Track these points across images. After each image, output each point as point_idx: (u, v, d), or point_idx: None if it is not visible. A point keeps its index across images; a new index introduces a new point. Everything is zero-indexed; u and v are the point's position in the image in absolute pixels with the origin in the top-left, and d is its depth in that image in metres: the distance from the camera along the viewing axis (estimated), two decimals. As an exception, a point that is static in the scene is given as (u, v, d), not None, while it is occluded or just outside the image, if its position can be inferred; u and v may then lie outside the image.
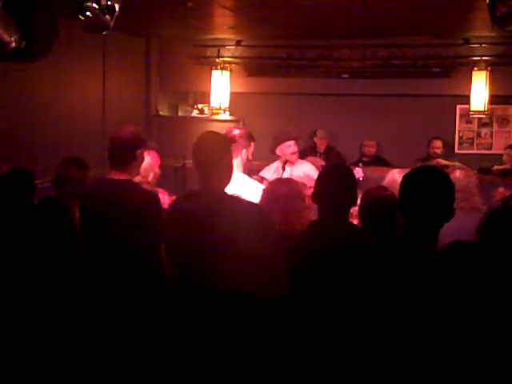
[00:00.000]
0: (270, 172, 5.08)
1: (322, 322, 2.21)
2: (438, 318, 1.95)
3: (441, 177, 2.20)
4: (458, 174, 3.65)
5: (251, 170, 4.62)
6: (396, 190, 2.62)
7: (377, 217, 2.97)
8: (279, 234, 2.83)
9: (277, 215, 3.01)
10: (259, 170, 5.15)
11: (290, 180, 3.52)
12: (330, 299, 2.23)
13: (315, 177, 4.88)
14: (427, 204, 2.11)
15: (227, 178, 2.76)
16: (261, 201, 3.20)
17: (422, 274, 2.03)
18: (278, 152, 5.15)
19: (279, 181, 3.58)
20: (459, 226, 2.82)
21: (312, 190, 2.85)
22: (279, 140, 5.16)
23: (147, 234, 3.08)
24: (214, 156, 2.73)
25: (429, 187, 2.14)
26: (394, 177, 3.51)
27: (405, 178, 2.24)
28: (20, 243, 2.96)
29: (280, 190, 3.15)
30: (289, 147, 5.08)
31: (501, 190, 4.28)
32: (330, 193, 2.59)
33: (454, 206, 2.21)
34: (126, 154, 3.20)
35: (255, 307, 1.41)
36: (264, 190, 3.35)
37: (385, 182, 3.55)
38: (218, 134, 2.99)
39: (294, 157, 5.08)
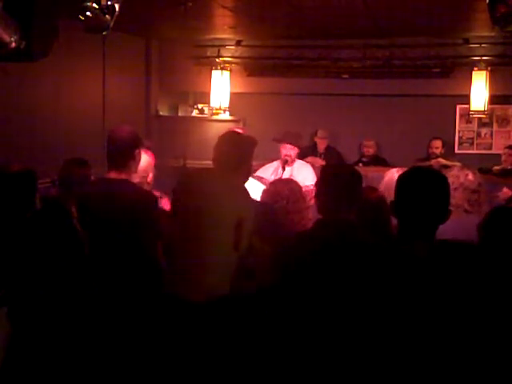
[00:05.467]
0: (268, 172, 5.09)
1: (319, 321, 2.20)
2: (436, 319, 1.95)
3: (436, 178, 2.19)
4: (455, 172, 3.64)
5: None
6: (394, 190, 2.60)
7: (365, 218, 2.94)
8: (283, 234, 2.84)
9: (279, 216, 3.02)
10: (257, 171, 5.18)
11: (291, 180, 3.52)
12: (329, 298, 2.23)
13: (311, 182, 4.92)
14: (422, 205, 2.10)
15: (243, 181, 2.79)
16: (263, 201, 3.20)
17: (419, 275, 2.03)
18: (280, 148, 5.23)
19: (280, 181, 3.58)
20: (460, 225, 2.82)
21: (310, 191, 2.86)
22: (284, 139, 5.21)
23: (146, 234, 3.08)
24: (236, 157, 2.76)
25: (423, 188, 2.13)
26: (393, 176, 3.50)
27: (399, 178, 2.24)
28: (25, 245, 2.97)
29: (282, 191, 3.15)
30: (285, 149, 5.14)
31: (505, 190, 4.29)
32: (330, 192, 2.58)
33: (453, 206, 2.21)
34: (124, 153, 3.20)
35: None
36: (265, 190, 3.35)
37: (384, 182, 3.54)
38: (243, 135, 3.01)
39: (288, 158, 5.17)
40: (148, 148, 4.11)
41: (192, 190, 1.39)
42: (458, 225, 2.86)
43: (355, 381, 1.97)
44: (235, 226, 1.36)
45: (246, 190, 1.45)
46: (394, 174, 3.53)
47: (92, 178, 3.82)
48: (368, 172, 5.28)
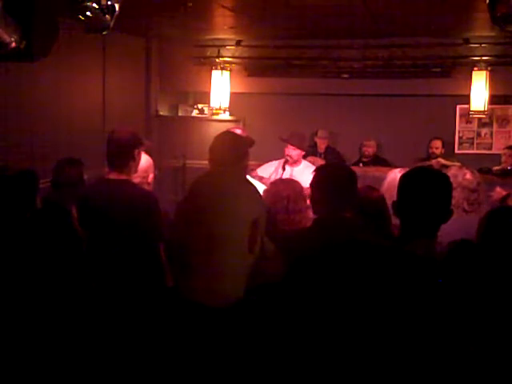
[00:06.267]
0: (269, 172, 5.10)
1: (319, 321, 2.20)
2: (439, 319, 1.95)
3: (438, 177, 2.19)
4: (453, 171, 3.64)
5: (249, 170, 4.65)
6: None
7: (366, 217, 2.95)
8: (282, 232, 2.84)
9: (280, 215, 3.03)
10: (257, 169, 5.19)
11: (292, 180, 3.53)
12: (332, 297, 2.22)
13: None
14: (424, 204, 2.10)
15: None
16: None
17: (421, 274, 2.02)
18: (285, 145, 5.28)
19: (282, 181, 3.57)
20: (460, 225, 2.81)
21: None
22: (288, 139, 5.22)
23: (146, 234, 3.09)
24: (231, 157, 2.76)
25: (425, 188, 2.13)
26: (396, 176, 3.50)
27: (402, 179, 2.24)
28: (25, 246, 2.97)
29: (283, 191, 3.15)
30: (287, 149, 5.16)
31: (498, 189, 4.28)
32: (323, 191, 2.59)
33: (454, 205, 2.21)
34: (124, 154, 3.21)
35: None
36: (266, 190, 3.34)
37: (386, 182, 3.54)
38: (238, 135, 3.01)
39: (289, 159, 5.19)
40: (147, 148, 4.11)
41: (206, 192, 1.36)
42: (458, 225, 2.86)
43: (357, 380, 1.97)
44: (250, 227, 1.34)
45: (258, 190, 1.43)
46: (396, 174, 3.53)
47: (85, 177, 3.81)
48: (368, 172, 5.29)
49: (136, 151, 3.25)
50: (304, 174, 5.14)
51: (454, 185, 3.22)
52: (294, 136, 5.28)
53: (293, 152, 5.20)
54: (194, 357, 1.28)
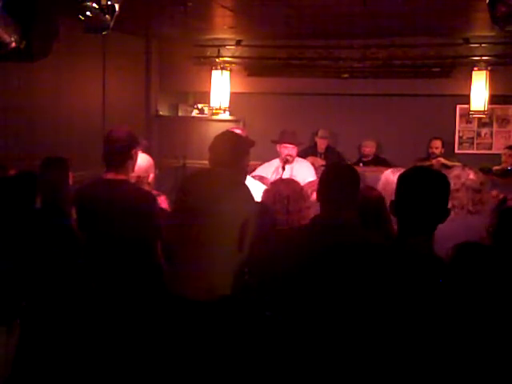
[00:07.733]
0: (270, 171, 5.09)
1: (320, 318, 2.20)
2: (442, 320, 1.95)
3: (435, 177, 2.19)
4: (456, 172, 3.63)
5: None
6: (390, 190, 2.62)
7: (366, 217, 2.95)
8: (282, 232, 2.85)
9: (280, 215, 3.03)
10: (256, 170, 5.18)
11: (292, 180, 3.53)
12: (327, 295, 2.23)
13: (312, 178, 4.90)
14: (420, 204, 2.10)
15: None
16: (263, 201, 3.20)
17: (420, 273, 2.03)
18: (278, 148, 5.24)
19: (282, 181, 3.58)
20: (464, 226, 2.81)
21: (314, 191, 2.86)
22: (284, 139, 5.21)
23: (145, 234, 3.09)
24: (230, 157, 2.76)
25: (421, 187, 2.13)
26: (388, 177, 3.50)
27: (399, 178, 2.24)
28: (24, 246, 2.97)
29: (283, 191, 3.16)
30: (286, 149, 5.15)
31: (494, 192, 4.25)
32: (332, 190, 2.59)
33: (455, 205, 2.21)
34: (121, 154, 3.22)
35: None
36: (266, 190, 3.35)
37: (381, 183, 3.55)
38: (239, 135, 3.01)
39: (289, 158, 5.16)
40: (145, 148, 4.10)
41: (198, 191, 1.38)
42: (462, 226, 2.86)
43: (358, 380, 1.97)
44: (240, 226, 1.36)
45: (250, 190, 1.45)
46: (389, 175, 3.53)
47: (71, 176, 3.78)
48: (368, 172, 5.29)
49: (133, 150, 3.25)
50: (302, 170, 5.17)
51: (458, 186, 3.23)
52: (287, 135, 5.26)
53: (293, 151, 5.20)
54: (181, 350, 1.30)
